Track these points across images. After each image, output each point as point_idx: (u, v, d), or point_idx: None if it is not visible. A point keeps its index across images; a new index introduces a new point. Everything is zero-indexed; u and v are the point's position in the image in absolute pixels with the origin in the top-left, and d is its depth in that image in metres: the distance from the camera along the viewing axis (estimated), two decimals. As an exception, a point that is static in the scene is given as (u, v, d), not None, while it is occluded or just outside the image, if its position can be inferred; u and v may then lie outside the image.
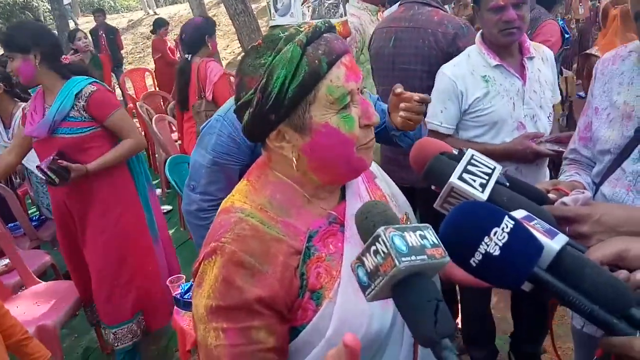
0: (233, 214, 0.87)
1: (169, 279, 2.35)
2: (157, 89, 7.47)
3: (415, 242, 0.62)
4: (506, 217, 0.67)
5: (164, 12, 16.35)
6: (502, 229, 0.66)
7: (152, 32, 7.94)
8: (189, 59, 3.45)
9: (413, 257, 0.61)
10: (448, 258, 0.63)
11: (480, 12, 1.88)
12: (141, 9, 16.89)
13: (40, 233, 3.45)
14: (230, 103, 1.58)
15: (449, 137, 1.96)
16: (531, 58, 1.94)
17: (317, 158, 0.86)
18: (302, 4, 1.56)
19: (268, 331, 0.83)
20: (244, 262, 0.81)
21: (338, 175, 0.90)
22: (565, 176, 1.35)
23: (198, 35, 3.43)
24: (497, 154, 1.77)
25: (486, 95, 1.89)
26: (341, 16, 1.61)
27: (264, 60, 0.82)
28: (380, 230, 0.63)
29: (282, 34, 0.84)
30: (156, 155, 5.25)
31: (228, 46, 12.94)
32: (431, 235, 0.64)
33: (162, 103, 6.14)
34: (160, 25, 7.67)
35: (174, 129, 5.06)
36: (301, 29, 0.83)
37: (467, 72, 1.91)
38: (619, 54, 1.30)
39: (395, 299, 0.64)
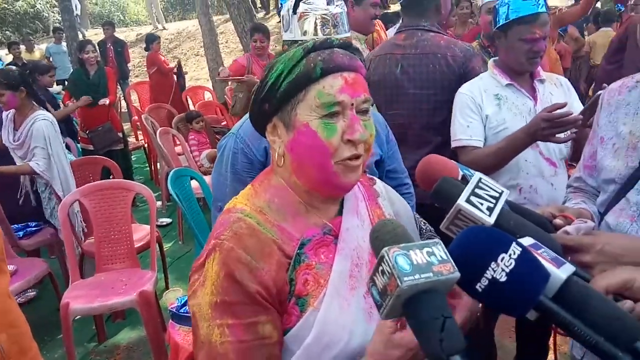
0: (233, 213, 0.90)
1: (166, 292, 2.33)
2: (153, 102, 7.47)
3: (421, 259, 0.62)
4: (514, 243, 0.67)
5: (173, 27, 16.59)
6: (510, 255, 0.65)
7: (146, 48, 8.02)
8: None
9: (417, 276, 0.61)
10: (458, 273, 0.63)
11: (506, 40, 1.93)
12: (150, 24, 17.11)
13: (24, 241, 3.42)
14: (242, 120, 1.60)
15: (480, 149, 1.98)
16: (542, 80, 2.01)
17: (296, 158, 0.89)
18: (297, 20, 1.57)
19: (273, 326, 0.84)
20: (242, 258, 0.83)
21: (314, 182, 0.90)
22: (572, 204, 1.35)
23: None
24: (519, 138, 1.79)
25: (498, 112, 1.94)
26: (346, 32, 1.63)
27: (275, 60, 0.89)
28: (383, 250, 0.63)
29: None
30: (158, 168, 5.26)
31: (235, 63, 13.05)
32: (440, 251, 0.64)
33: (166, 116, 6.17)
34: (151, 40, 7.80)
35: (177, 142, 5.08)
36: (312, 41, 0.89)
37: (481, 90, 1.98)
38: (626, 84, 1.31)
39: (407, 318, 0.64)
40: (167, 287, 3.53)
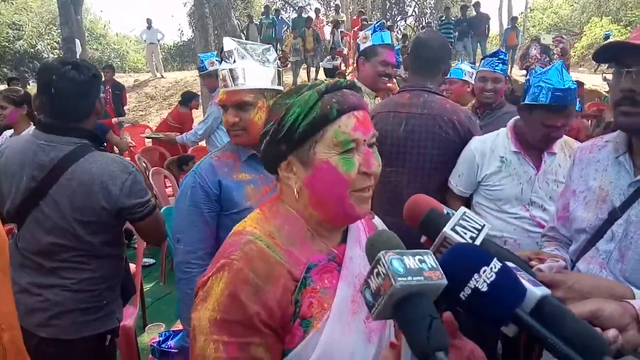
0: (243, 235, 0.96)
1: (148, 326, 2.32)
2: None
3: (414, 265, 0.70)
4: (495, 259, 0.76)
5: (171, 76, 17.05)
6: (491, 268, 0.74)
7: (182, 103, 7.41)
8: None
9: (409, 278, 0.68)
10: (445, 280, 0.71)
11: (529, 117, 2.03)
12: (148, 71, 17.56)
13: None
14: (200, 160, 1.81)
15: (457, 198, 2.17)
16: (553, 154, 2.12)
17: (315, 192, 0.96)
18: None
19: (266, 349, 0.89)
20: (249, 279, 0.88)
21: (332, 214, 0.98)
22: (547, 250, 1.45)
23: None
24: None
25: (498, 173, 2.08)
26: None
27: (288, 100, 0.96)
28: (380, 254, 0.71)
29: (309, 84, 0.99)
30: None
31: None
32: (430, 260, 0.72)
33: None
34: (190, 98, 7.13)
35: (168, 184, 5.15)
36: (326, 82, 0.98)
37: (488, 149, 2.12)
38: (596, 143, 1.45)
39: (396, 318, 0.71)
40: (144, 326, 3.47)
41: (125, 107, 10.50)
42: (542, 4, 26.26)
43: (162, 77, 16.37)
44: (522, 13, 22.13)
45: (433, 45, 2.36)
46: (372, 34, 2.81)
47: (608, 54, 1.29)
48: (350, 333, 0.93)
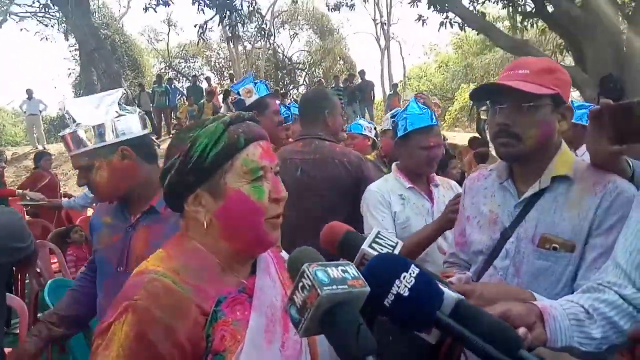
0: (146, 274, 0.91)
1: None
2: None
3: (337, 275, 0.71)
4: (412, 264, 0.79)
5: (55, 148, 15.92)
6: (410, 273, 0.77)
7: (35, 167, 7.54)
8: None
9: (334, 287, 0.69)
10: (368, 288, 0.72)
11: (407, 148, 2.21)
12: (27, 144, 16.28)
13: None
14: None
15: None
16: (436, 185, 2.31)
17: (228, 223, 0.95)
18: None
19: None
20: (157, 317, 0.83)
21: (245, 243, 0.97)
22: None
23: None
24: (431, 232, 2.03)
25: (403, 211, 2.16)
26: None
27: (191, 133, 0.96)
28: (304, 266, 0.71)
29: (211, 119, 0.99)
30: (25, 282, 4.71)
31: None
32: (352, 270, 0.73)
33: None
34: (40, 158, 7.46)
35: (53, 259, 4.66)
36: (229, 115, 0.99)
37: (387, 189, 2.21)
38: (482, 173, 1.61)
39: (323, 331, 0.70)
40: None
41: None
42: (417, 73, 29.32)
43: (44, 149, 15.22)
44: (401, 81, 24.45)
45: (310, 96, 2.80)
46: (254, 86, 2.78)
47: (482, 94, 1.47)
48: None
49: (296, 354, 0.97)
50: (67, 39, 16.19)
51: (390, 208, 2.18)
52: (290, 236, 2.25)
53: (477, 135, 9.28)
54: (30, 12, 15.93)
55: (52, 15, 15.83)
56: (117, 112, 1.64)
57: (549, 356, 0.82)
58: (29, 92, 14.27)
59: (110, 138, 1.60)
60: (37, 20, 16.13)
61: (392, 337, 1.91)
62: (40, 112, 14.85)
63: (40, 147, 15.03)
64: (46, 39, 18.68)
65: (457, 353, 1.04)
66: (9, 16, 16.15)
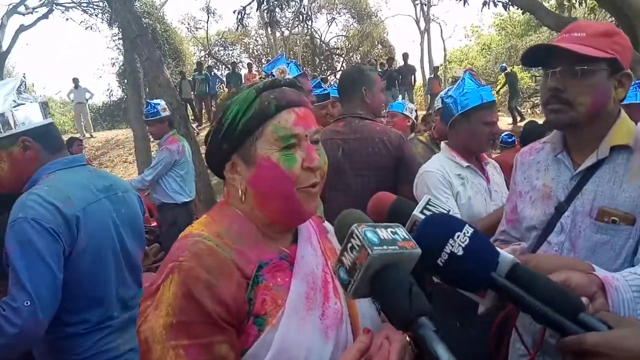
0: (190, 238, 0.92)
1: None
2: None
3: (387, 236, 0.69)
4: (467, 225, 0.75)
5: (102, 135, 16.51)
6: (464, 233, 0.74)
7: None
8: None
9: (385, 247, 0.66)
10: (419, 250, 0.69)
11: (469, 124, 2.13)
12: (75, 132, 16.94)
13: None
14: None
15: None
16: (487, 163, 2.26)
17: (260, 191, 0.95)
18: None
19: (230, 346, 0.84)
20: (201, 276, 0.84)
21: (279, 213, 0.96)
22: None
23: None
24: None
25: (465, 191, 2.11)
26: None
27: (228, 101, 0.96)
28: (353, 226, 0.69)
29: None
30: None
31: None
32: (402, 232, 0.71)
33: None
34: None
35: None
36: (264, 81, 0.98)
37: (444, 170, 2.14)
38: (534, 146, 1.54)
39: (373, 294, 0.68)
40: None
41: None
42: (458, 56, 28.52)
43: (92, 136, 15.81)
44: (441, 65, 23.83)
45: (347, 74, 2.78)
46: (287, 66, 2.75)
47: (535, 57, 1.40)
48: (306, 329, 0.90)
49: (336, 323, 0.95)
50: (111, 27, 16.60)
51: (452, 188, 2.11)
52: (336, 212, 2.27)
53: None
54: (75, 2, 16.41)
55: (97, 5, 16.26)
56: (14, 101, 1.58)
57: (613, 320, 0.77)
58: (76, 81, 14.78)
59: (7, 129, 1.56)
60: (82, 10, 16.58)
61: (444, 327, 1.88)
62: (87, 100, 15.37)
63: (87, 135, 15.65)
64: (91, 28, 19.21)
65: (510, 325, 1.00)
66: (55, 7, 16.69)
